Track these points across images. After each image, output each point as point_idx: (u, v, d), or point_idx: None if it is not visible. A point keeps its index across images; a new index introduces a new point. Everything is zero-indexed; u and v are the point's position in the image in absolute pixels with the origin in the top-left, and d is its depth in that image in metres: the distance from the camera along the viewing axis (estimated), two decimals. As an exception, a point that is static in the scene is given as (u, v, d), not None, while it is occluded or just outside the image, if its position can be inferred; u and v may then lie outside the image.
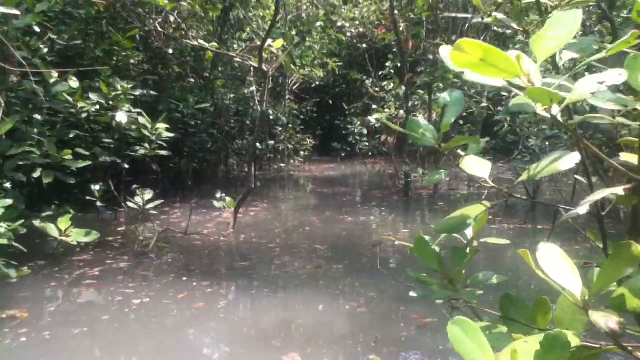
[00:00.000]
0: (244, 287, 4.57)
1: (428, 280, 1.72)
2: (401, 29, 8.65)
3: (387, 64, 11.65)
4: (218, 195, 6.34)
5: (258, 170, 11.87)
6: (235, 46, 10.43)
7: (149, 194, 5.98)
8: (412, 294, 2.25)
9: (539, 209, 7.94)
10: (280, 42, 6.04)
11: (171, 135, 6.74)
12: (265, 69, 5.83)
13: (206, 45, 6.23)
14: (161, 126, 6.58)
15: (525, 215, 7.68)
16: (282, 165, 13.40)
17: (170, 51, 8.75)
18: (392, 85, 11.73)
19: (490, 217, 7.44)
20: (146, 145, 6.55)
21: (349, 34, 13.52)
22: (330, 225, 7.00)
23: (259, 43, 6.17)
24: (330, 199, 9.25)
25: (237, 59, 6.53)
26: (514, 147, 12.10)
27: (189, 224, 6.26)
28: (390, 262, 5.34)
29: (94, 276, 4.75)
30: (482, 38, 9.69)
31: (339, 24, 11.90)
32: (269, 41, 5.94)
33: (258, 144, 10.29)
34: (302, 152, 14.29)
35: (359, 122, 13.35)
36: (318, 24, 10.27)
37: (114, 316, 3.83)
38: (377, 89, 13.67)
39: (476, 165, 1.42)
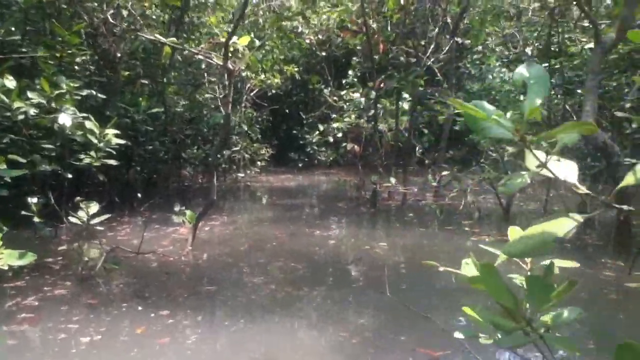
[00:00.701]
0: (214, 317, 3.93)
1: (503, 323, 1.26)
2: (371, 31, 8.26)
3: (350, 72, 11.26)
4: (177, 208, 5.65)
5: (214, 181, 11.16)
6: (185, 52, 9.77)
7: (94, 207, 5.18)
8: (458, 335, 1.75)
9: (513, 222, 7.67)
10: (246, 39, 5.47)
11: (121, 142, 6.02)
12: (232, 67, 5.26)
13: (164, 40, 5.57)
14: (110, 132, 5.83)
15: (503, 228, 7.38)
16: (240, 175, 12.73)
17: (119, 54, 8.00)
18: (355, 93, 11.34)
19: (466, 228, 7.15)
20: (92, 153, 5.79)
21: (308, 41, 13.09)
22: (300, 240, 6.44)
23: (222, 40, 5.60)
24: (295, 211, 8.69)
25: (199, 56, 5.89)
26: (473, 158, 11.97)
27: (142, 241, 5.54)
28: (372, 279, 4.82)
29: (29, 307, 3.98)
30: (447, 47, 9.47)
31: (299, 29, 11.44)
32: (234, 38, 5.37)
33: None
34: (258, 162, 13.69)
35: (320, 131, 12.90)
36: (277, 27, 9.76)
37: (55, 360, 3.11)
38: (335, 98, 13.28)
39: (564, 168, 1.13)
